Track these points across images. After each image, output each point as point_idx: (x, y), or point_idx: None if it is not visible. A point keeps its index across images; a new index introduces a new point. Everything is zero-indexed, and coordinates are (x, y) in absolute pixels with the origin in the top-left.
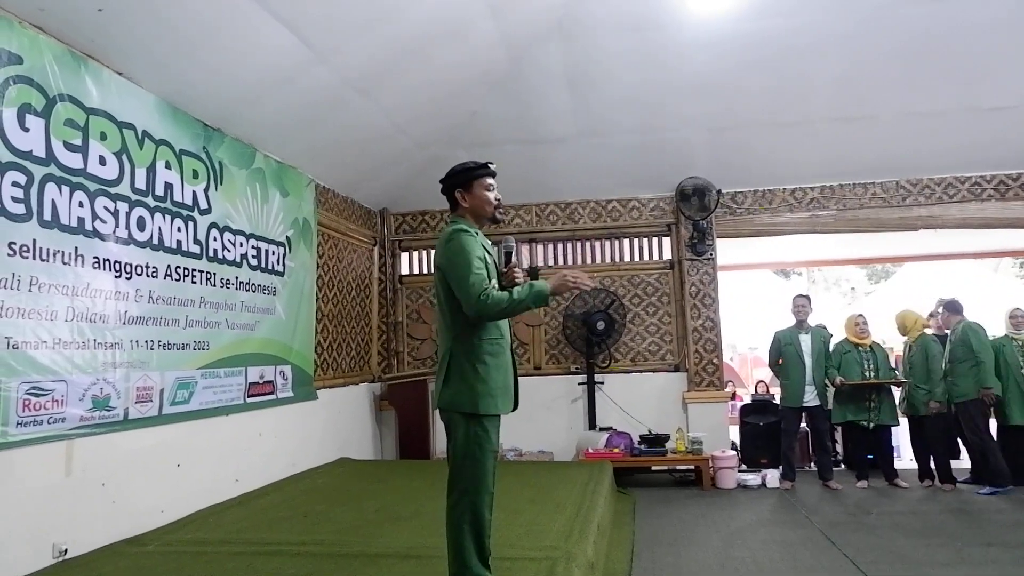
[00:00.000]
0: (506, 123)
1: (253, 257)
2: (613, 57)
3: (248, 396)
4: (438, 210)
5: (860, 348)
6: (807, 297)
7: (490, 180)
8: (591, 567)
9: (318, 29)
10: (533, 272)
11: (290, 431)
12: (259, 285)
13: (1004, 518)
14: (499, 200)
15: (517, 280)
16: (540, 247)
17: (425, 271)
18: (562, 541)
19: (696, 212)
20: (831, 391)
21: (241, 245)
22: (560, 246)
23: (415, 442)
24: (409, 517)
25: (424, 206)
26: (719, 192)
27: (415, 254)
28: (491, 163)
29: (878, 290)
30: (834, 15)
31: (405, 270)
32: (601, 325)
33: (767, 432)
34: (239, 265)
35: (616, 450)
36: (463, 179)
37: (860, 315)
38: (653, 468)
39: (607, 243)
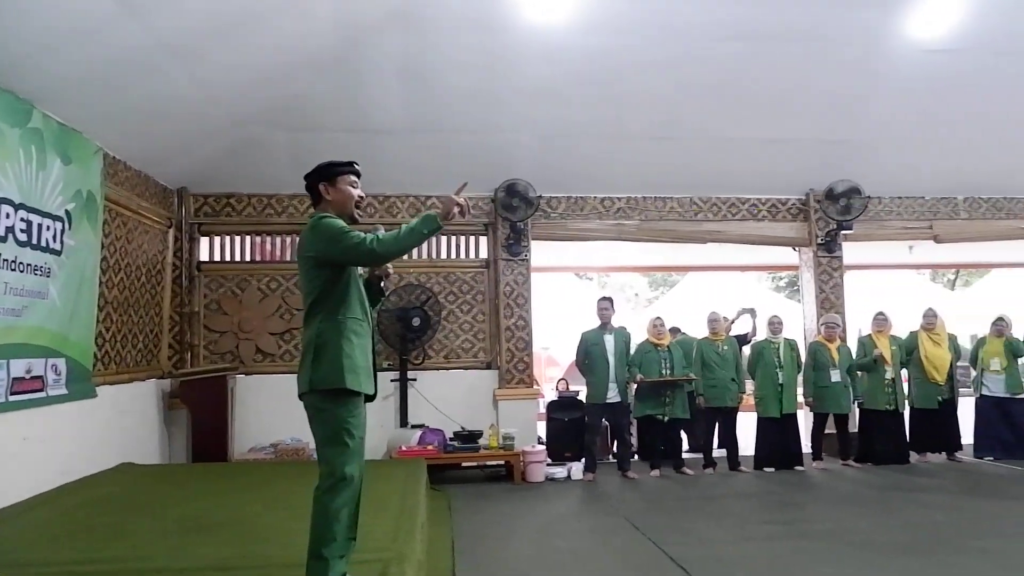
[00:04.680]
0: (334, 109)
1: (22, 232)
2: (450, 55)
3: (11, 394)
4: (247, 194)
5: (659, 348)
6: (610, 300)
7: (354, 178)
8: (420, 566)
9: None
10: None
11: (63, 433)
12: (29, 265)
13: (776, 499)
14: (362, 197)
15: (389, 271)
16: None
17: (228, 258)
18: (391, 541)
19: (515, 214)
20: (632, 388)
21: (8, 217)
22: None
23: (211, 444)
24: (218, 526)
25: (232, 188)
26: (538, 196)
27: (217, 240)
28: (356, 163)
29: (660, 296)
30: (657, 42)
31: (205, 256)
32: (417, 321)
33: (572, 427)
34: (3, 240)
35: (430, 447)
36: (328, 174)
37: (659, 318)
38: (464, 464)
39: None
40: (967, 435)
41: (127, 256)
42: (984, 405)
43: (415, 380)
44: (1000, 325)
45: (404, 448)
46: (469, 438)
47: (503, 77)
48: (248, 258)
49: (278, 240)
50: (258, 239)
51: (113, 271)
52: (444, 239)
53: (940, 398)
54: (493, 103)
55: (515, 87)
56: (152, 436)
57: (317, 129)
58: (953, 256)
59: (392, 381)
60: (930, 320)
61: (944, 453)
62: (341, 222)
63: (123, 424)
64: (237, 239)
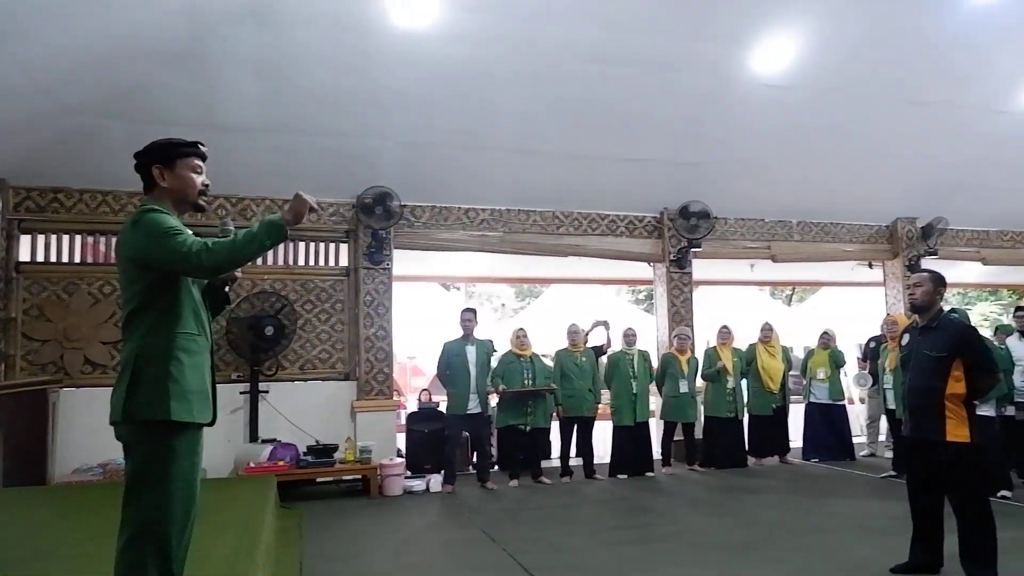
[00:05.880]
0: (182, 102)
1: None
2: (311, 53)
3: None
4: (78, 189)
5: (521, 358)
6: (473, 311)
7: (198, 162)
8: None
9: None
10: None
11: None
12: None
13: (627, 504)
14: (207, 185)
15: (236, 276)
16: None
17: (54, 259)
18: (229, 567)
19: (377, 222)
20: (493, 399)
21: None
22: None
23: (27, 465)
24: (27, 561)
25: (61, 182)
26: (402, 204)
27: (41, 238)
28: (202, 143)
29: (526, 307)
30: (522, 57)
31: (25, 256)
32: (270, 331)
33: (432, 439)
34: None
35: (281, 463)
36: (165, 155)
37: (521, 329)
38: (318, 480)
39: (281, 245)
40: (797, 439)
41: None
42: (811, 411)
43: (267, 392)
44: (825, 338)
45: (253, 464)
46: (324, 452)
47: (367, 81)
48: (78, 259)
49: (113, 240)
50: (90, 239)
51: None
52: (302, 245)
53: (774, 405)
54: (356, 107)
55: (380, 92)
56: None
57: (161, 122)
58: (788, 274)
59: (242, 393)
60: (767, 334)
61: (777, 456)
62: (171, 220)
63: None
64: (65, 238)
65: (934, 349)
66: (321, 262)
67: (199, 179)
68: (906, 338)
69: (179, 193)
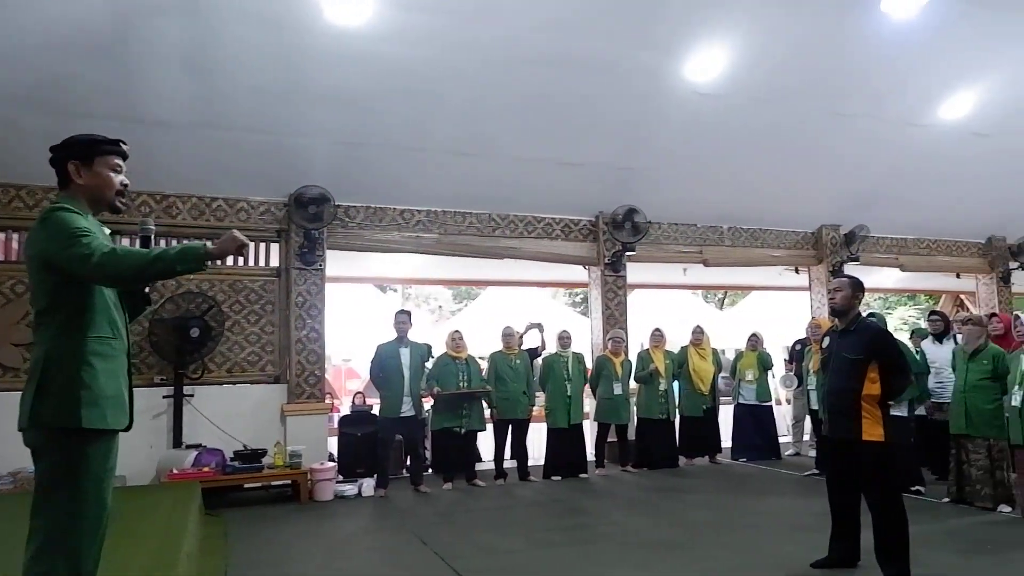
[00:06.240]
0: (104, 95)
1: None
2: (240, 49)
3: None
4: None
5: (457, 361)
6: (408, 313)
7: (119, 160)
8: None
9: None
10: None
11: None
12: None
13: (561, 506)
14: (126, 185)
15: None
16: (126, 241)
17: None
18: None
19: (310, 221)
20: (428, 401)
21: None
22: (152, 243)
23: None
24: None
25: None
26: (336, 204)
27: None
28: (124, 142)
29: (463, 309)
30: (459, 57)
31: None
32: (196, 332)
33: (364, 442)
34: None
35: (206, 469)
36: (84, 151)
37: (457, 331)
38: (246, 486)
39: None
40: (727, 439)
41: None
42: (740, 412)
43: (192, 396)
44: (754, 341)
45: (176, 471)
46: (251, 457)
47: (301, 78)
48: None
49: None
50: (2, 235)
51: None
52: None
53: (704, 407)
54: (289, 104)
55: (314, 90)
56: None
57: (82, 116)
58: (720, 278)
59: (165, 397)
60: (698, 336)
61: (707, 456)
62: (80, 220)
63: None
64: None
65: (852, 352)
66: (251, 262)
67: (118, 178)
68: (827, 341)
69: (95, 192)
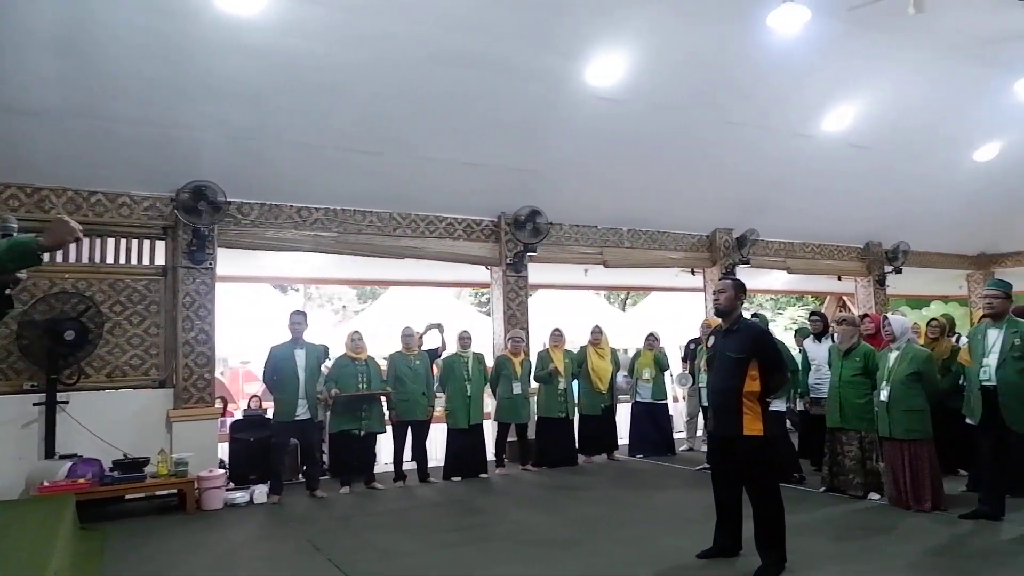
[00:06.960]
0: None
1: None
2: (119, 35)
3: None
4: None
5: (356, 362)
6: (303, 314)
7: None
8: None
9: None
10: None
11: None
12: None
13: (460, 507)
14: None
15: (19, 277)
16: None
17: None
18: None
19: (199, 218)
20: (323, 404)
21: None
22: None
23: None
24: None
25: None
26: (227, 200)
27: None
28: None
29: (367, 309)
30: (359, 53)
31: None
32: (71, 335)
33: (257, 447)
34: None
35: (81, 480)
36: None
37: (356, 331)
38: (128, 497)
39: (86, 241)
40: (625, 437)
41: None
42: (637, 410)
43: (67, 403)
44: (651, 340)
45: (47, 483)
46: (133, 466)
47: (190, 68)
48: None
49: None
50: None
51: None
52: (111, 242)
53: (603, 405)
54: (176, 94)
55: (202, 81)
56: None
57: None
58: (620, 279)
59: (36, 405)
60: (596, 336)
61: (606, 454)
62: None
63: None
64: None
65: (734, 351)
66: (134, 260)
67: None
68: (712, 340)
69: None
